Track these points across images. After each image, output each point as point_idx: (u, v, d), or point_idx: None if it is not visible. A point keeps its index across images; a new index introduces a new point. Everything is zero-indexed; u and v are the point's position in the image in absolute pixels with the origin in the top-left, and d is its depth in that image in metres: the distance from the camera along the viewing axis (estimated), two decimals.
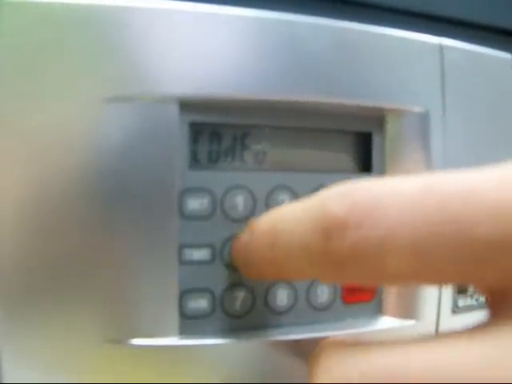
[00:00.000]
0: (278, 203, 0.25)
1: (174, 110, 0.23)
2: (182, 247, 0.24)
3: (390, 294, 0.28)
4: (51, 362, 0.22)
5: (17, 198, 0.21)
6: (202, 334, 0.24)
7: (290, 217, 0.19)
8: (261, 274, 0.22)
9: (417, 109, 0.27)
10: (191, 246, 0.24)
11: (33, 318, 0.22)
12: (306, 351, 0.25)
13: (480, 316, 0.16)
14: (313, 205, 0.18)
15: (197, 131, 0.25)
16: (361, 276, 0.17)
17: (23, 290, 0.22)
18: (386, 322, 0.28)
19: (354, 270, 0.17)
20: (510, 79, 0.30)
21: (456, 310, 0.29)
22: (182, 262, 0.24)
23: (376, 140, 0.28)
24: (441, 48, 0.28)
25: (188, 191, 0.24)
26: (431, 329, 0.28)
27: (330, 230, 0.17)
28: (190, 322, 0.24)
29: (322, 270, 0.18)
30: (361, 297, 0.27)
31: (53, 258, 0.22)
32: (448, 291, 0.29)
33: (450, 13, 0.30)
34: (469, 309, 0.29)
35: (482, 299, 0.30)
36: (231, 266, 0.25)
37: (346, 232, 0.16)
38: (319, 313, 0.27)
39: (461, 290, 0.29)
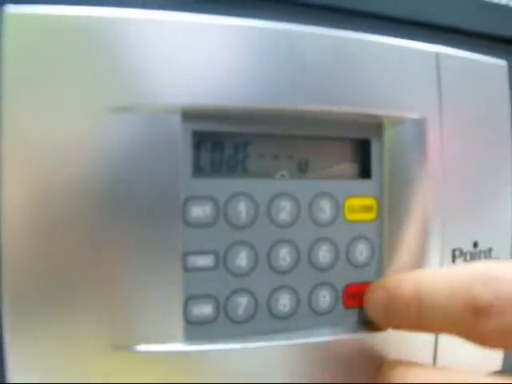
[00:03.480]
0: (280, 210, 0.26)
1: (176, 119, 0.23)
2: (186, 254, 0.24)
3: None
4: (56, 368, 0.22)
5: (23, 205, 0.22)
6: (207, 339, 0.25)
7: (437, 290, 0.23)
8: (401, 327, 0.25)
9: (414, 116, 0.28)
10: (195, 253, 0.25)
11: (39, 324, 0.22)
12: (309, 355, 0.26)
13: None
14: (460, 285, 0.22)
15: (200, 140, 0.25)
16: (503, 347, 0.22)
17: (30, 296, 0.22)
18: None
19: (497, 344, 0.21)
20: (505, 85, 0.31)
21: None
22: (186, 269, 0.24)
23: (375, 147, 0.28)
24: (437, 55, 0.28)
25: (191, 199, 0.24)
26: (429, 335, 0.28)
27: (478, 313, 0.21)
28: (194, 328, 0.25)
29: (468, 338, 0.22)
30: (361, 302, 0.28)
31: (59, 265, 0.22)
32: None
33: (446, 21, 0.30)
34: None
35: None
36: (234, 272, 0.25)
37: (492, 317, 0.21)
38: (321, 317, 0.27)
39: None
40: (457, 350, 0.27)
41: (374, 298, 0.26)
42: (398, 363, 0.26)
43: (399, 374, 0.25)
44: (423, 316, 0.23)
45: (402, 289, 0.24)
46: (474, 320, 0.21)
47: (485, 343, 0.22)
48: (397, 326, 0.26)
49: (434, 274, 0.24)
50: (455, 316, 0.22)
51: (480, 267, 0.22)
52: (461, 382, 0.22)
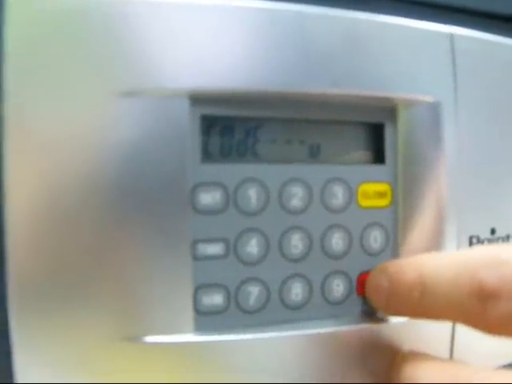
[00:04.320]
0: (291, 196, 0.25)
1: (184, 103, 0.23)
2: (195, 242, 0.24)
3: None
4: (64, 361, 0.22)
5: (29, 195, 0.21)
6: (217, 330, 0.24)
7: (441, 275, 0.22)
8: (403, 313, 0.25)
9: (428, 99, 0.27)
10: (204, 240, 0.24)
11: (46, 317, 0.22)
12: (322, 345, 0.25)
13: None
14: (466, 270, 0.21)
15: (208, 125, 0.24)
16: (510, 335, 0.21)
17: (37, 288, 0.21)
18: None
19: (503, 331, 0.21)
20: None
21: None
22: (196, 258, 0.24)
23: (388, 131, 0.27)
24: (451, 37, 0.28)
25: (200, 185, 0.24)
26: (443, 323, 0.27)
27: (485, 298, 0.20)
28: (204, 318, 0.24)
29: (474, 324, 0.21)
30: None
31: (66, 256, 0.22)
32: None
33: (460, 1, 0.30)
34: None
35: None
36: (245, 261, 0.25)
37: (500, 302, 0.20)
38: (334, 306, 0.26)
39: None
40: (474, 339, 0.26)
41: (376, 283, 0.25)
42: (409, 356, 0.25)
43: (409, 368, 0.24)
44: (426, 302, 0.23)
45: (405, 274, 0.24)
46: (480, 306, 0.21)
47: (491, 330, 0.21)
48: (399, 313, 0.25)
49: (437, 258, 0.23)
50: (460, 302, 0.21)
51: (486, 251, 0.22)
52: (470, 379, 0.21)
